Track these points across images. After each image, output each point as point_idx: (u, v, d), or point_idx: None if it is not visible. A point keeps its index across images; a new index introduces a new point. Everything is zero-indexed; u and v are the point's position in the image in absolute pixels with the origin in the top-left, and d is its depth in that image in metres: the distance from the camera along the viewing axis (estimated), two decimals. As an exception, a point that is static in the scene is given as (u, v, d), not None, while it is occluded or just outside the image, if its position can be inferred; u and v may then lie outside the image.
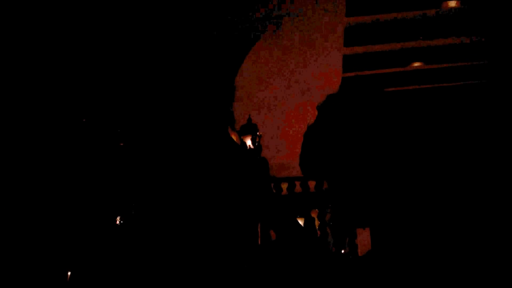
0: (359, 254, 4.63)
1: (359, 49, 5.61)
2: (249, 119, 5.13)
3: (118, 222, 3.77)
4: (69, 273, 3.80)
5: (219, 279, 3.35)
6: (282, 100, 5.51)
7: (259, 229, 5.02)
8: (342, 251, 4.83)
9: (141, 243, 3.66)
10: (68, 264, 3.81)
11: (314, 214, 4.96)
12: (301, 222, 4.70)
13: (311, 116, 5.99)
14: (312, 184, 5.41)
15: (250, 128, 5.13)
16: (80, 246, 3.86)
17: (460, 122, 6.32)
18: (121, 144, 3.99)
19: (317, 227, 4.90)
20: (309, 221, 4.80)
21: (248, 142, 4.98)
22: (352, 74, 5.80)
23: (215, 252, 3.45)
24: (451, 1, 5.42)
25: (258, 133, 5.10)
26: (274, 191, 5.10)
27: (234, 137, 4.95)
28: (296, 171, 5.39)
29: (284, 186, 5.19)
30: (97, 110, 4.27)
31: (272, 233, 4.85)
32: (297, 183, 5.04)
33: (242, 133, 5.08)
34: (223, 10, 4.66)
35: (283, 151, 4.74)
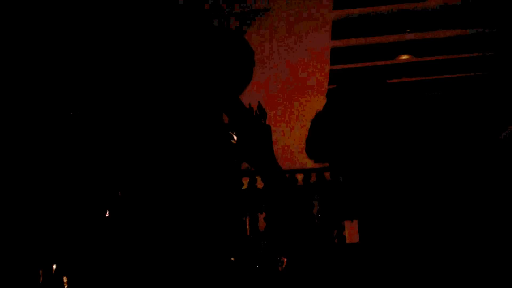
0: (347, 247, 4.61)
1: (346, 42, 5.62)
2: (259, 105, 5.04)
3: (106, 215, 3.72)
4: (54, 266, 3.77)
5: (208, 272, 3.30)
6: (269, 92, 5.51)
7: (247, 220, 5.00)
8: (330, 244, 4.80)
9: (130, 236, 3.61)
10: (52, 258, 3.77)
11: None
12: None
13: (299, 109, 5.99)
14: (300, 176, 5.40)
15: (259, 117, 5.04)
16: (67, 239, 3.82)
17: (448, 114, 6.33)
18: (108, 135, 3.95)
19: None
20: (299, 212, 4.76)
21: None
22: (340, 67, 5.80)
23: (205, 244, 3.41)
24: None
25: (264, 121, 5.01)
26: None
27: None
28: (285, 165, 5.37)
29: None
30: (85, 103, 4.24)
31: (260, 224, 4.84)
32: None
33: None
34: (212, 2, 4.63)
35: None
